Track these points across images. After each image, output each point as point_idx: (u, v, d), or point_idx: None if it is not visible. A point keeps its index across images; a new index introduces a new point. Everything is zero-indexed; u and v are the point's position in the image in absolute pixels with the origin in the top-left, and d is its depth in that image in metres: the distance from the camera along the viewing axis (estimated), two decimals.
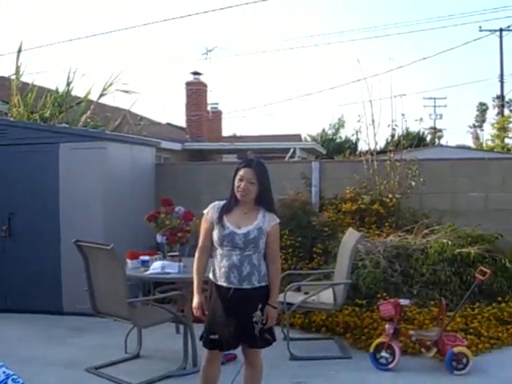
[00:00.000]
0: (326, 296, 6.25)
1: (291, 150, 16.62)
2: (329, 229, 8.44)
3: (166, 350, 6.36)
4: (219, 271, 4.25)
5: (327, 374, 5.71)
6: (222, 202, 4.36)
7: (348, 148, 19.01)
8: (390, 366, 5.71)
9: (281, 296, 6.17)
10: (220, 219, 4.24)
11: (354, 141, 27.19)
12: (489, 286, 7.30)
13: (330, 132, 42.48)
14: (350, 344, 6.54)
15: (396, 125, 9.24)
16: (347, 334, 6.67)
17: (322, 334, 6.89)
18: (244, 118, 73.55)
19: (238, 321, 4.20)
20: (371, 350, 5.81)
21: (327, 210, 8.92)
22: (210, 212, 4.34)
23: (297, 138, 27.81)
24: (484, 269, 6.06)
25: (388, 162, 8.99)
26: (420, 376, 5.63)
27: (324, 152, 21.98)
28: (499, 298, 7.24)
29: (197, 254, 4.41)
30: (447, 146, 22.11)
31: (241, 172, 4.23)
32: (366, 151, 9.27)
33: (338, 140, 40.33)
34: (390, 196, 8.76)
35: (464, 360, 5.62)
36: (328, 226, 8.49)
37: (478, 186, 9.21)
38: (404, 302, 5.89)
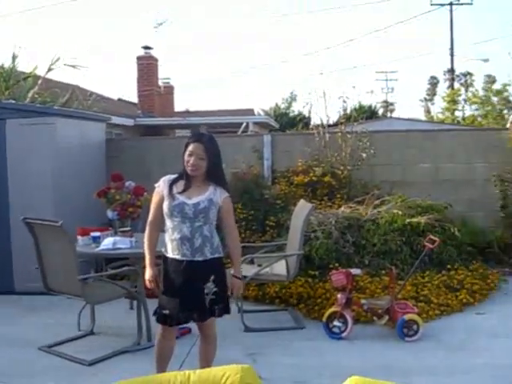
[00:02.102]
0: (279, 268, 6.28)
1: (243, 124, 16.57)
2: (281, 201, 8.47)
3: (120, 326, 6.33)
4: (171, 244, 4.24)
5: (281, 344, 5.77)
6: (174, 176, 4.33)
7: (300, 121, 19.05)
8: (343, 334, 5.80)
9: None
10: (170, 191, 4.22)
11: (306, 115, 27.24)
12: (438, 255, 7.45)
13: (283, 106, 42.43)
14: (303, 314, 6.62)
15: (347, 97, 9.29)
16: (300, 305, 6.74)
17: (275, 306, 6.95)
18: (197, 92, 72.83)
19: (189, 293, 4.20)
20: (324, 319, 5.89)
21: (279, 183, 8.96)
22: (160, 185, 4.31)
23: (250, 112, 27.67)
24: (433, 237, 6.18)
25: (339, 135, 9.05)
26: (372, 343, 5.74)
27: (277, 126, 21.97)
28: (448, 266, 7.40)
29: (147, 228, 4.39)
30: (398, 119, 22.31)
31: (190, 147, 4.20)
32: (318, 124, 9.32)
33: (291, 114, 40.32)
34: (342, 168, 8.83)
35: (415, 327, 5.74)
36: (280, 199, 8.52)
37: (428, 158, 9.36)
38: (355, 271, 5.97)
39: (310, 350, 5.62)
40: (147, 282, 4.33)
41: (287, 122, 32.20)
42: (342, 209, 7.93)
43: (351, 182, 8.91)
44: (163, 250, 4.33)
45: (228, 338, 5.65)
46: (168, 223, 4.26)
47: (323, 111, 9.28)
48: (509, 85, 15.07)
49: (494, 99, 15.43)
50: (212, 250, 4.24)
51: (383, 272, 7.03)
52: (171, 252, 4.24)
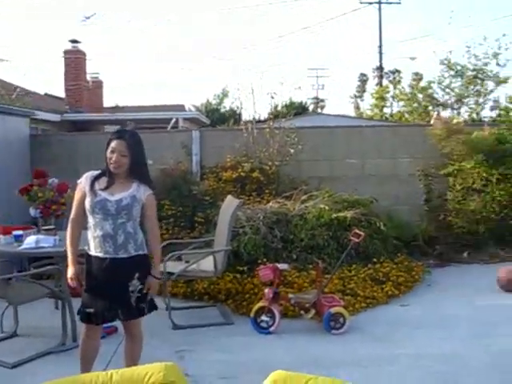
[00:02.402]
0: (207, 264, 6.26)
1: (173, 120, 16.44)
2: (210, 197, 8.44)
3: (44, 326, 6.15)
4: (93, 241, 4.16)
5: (209, 340, 5.75)
6: (97, 172, 4.25)
7: (231, 118, 19.01)
8: (271, 329, 5.82)
9: (161, 266, 6.15)
10: (92, 187, 4.13)
11: (238, 111, 27.24)
12: (365, 248, 7.58)
13: (214, 102, 42.31)
14: (232, 310, 6.62)
15: (275, 93, 9.32)
16: (229, 301, 6.74)
17: (204, 302, 6.92)
18: (128, 88, 71.85)
19: (114, 291, 4.13)
20: (252, 314, 5.90)
21: (208, 179, 8.94)
22: (82, 182, 4.22)
23: (180, 108, 27.47)
24: (358, 231, 6.27)
25: (267, 130, 9.08)
26: (300, 337, 5.79)
27: (208, 122, 21.89)
28: (374, 259, 7.55)
29: (69, 226, 4.29)
30: (326, 114, 22.57)
31: (112, 144, 4.13)
32: (247, 120, 9.33)
33: (222, 110, 40.24)
34: (270, 163, 8.88)
35: (341, 319, 5.82)
36: (209, 195, 8.50)
37: (355, 153, 9.51)
38: (282, 266, 6.01)
39: (239, 345, 5.62)
40: (69, 281, 4.24)
41: (218, 118, 32.06)
42: (270, 204, 7.98)
43: (279, 177, 8.97)
44: (86, 247, 4.25)
45: (156, 336, 5.63)
46: (90, 220, 4.17)
47: (251, 107, 9.30)
48: (433, 82, 15.47)
49: (419, 96, 15.81)
50: (136, 247, 4.18)
51: (311, 266, 7.09)
52: (94, 249, 4.16)
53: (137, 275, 4.16)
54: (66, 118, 16.58)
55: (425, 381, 4.66)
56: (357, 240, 6.14)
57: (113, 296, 4.14)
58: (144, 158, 4.25)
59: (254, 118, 9.29)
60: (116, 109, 23.84)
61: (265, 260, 7.05)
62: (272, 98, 9.22)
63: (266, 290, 5.90)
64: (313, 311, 5.94)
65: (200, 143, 9.35)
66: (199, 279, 6.83)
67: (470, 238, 8.94)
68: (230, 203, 6.54)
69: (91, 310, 4.17)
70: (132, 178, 4.20)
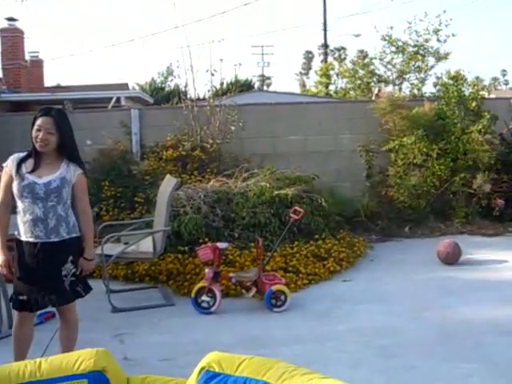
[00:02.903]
0: (146, 245, 6.14)
1: (113, 99, 16.11)
2: (150, 177, 8.32)
3: None
4: (23, 226, 4.00)
5: (150, 322, 5.66)
6: (23, 154, 4.07)
7: (175, 96, 18.71)
8: (212, 309, 5.76)
9: (98, 248, 6.02)
10: (18, 171, 3.97)
11: (182, 89, 26.90)
12: (307, 225, 7.58)
13: (158, 80, 41.74)
14: (173, 291, 6.53)
15: (215, 70, 9.18)
16: (170, 282, 6.65)
17: (145, 284, 6.82)
18: (69, 67, 70.37)
19: (46, 276, 3.99)
20: (193, 295, 5.81)
21: (149, 159, 8.79)
22: (8, 164, 4.03)
23: (124, 86, 26.98)
24: (298, 209, 6.25)
25: (208, 108, 8.95)
26: (241, 316, 5.74)
27: (151, 101, 21.55)
28: (316, 236, 7.54)
29: None
30: (272, 92, 22.47)
31: (38, 121, 3.96)
32: (189, 99, 9.19)
33: (167, 89, 39.72)
34: (211, 142, 8.77)
35: (282, 297, 5.80)
36: (149, 175, 8.36)
37: (298, 130, 9.48)
38: (221, 245, 5.91)
39: (180, 326, 5.54)
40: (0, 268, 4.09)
41: (163, 97, 31.66)
42: (211, 183, 7.88)
43: (221, 155, 8.89)
44: (15, 233, 4.09)
45: (95, 320, 5.55)
46: (19, 204, 4.01)
47: (191, 85, 9.15)
48: (375, 58, 15.51)
49: (361, 72, 15.86)
50: (68, 230, 4.04)
51: (252, 245, 7.04)
52: (24, 235, 4.01)
53: (70, 258, 4.04)
54: (2, 99, 16.10)
55: (363, 355, 4.66)
56: (296, 217, 6.11)
57: (45, 282, 4.00)
58: (72, 135, 4.09)
59: (194, 96, 9.14)
60: (58, 88, 23.28)
61: (206, 240, 6.97)
62: (212, 74, 9.06)
63: (207, 270, 5.82)
64: (254, 289, 5.89)
65: (140, 122, 9.18)
66: (139, 261, 6.70)
67: (411, 213, 9.05)
68: (167, 183, 6.42)
69: (24, 298, 4.03)
70: (61, 158, 4.04)
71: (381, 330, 5.22)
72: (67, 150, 4.05)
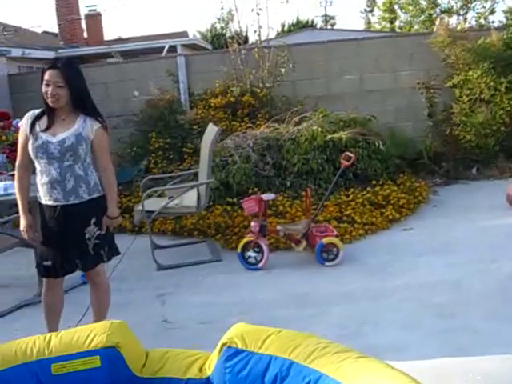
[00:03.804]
0: (190, 199, 5.80)
1: (165, 48, 15.72)
2: (198, 126, 7.94)
3: (22, 277, 5.82)
4: (42, 189, 3.73)
5: (194, 280, 5.37)
6: (38, 111, 3.76)
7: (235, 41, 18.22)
8: (260, 265, 5.42)
9: (140, 204, 5.75)
10: (32, 129, 3.66)
11: (244, 33, 26.31)
12: (363, 170, 7.11)
13: (219, 27, 41.11)
14: (221, 245, 6.23)
15: (260, 9, 8.66)
16: (218, 236, 6.34)
17: (194, 238, 6.53)
18: (130, 18, 70.27)
19: (68, 240, 3.73)
20: (239, 250, 5.48)
21: (197, 107, 8.42)
22: (24, 123, 3.73)
23: (184, 34, 26.59)
24: (349, 154, 5.76)
25: (256, 50, 8.46)
26: (290, 271, 5.38)
27: (210, 48, 21.10)
28: (374, 182, 7.05)
29: (16, 173, 3.86)
30: (321, 29, 21.56)
31: (46, 76, 3.61)
32: (237, 41, 8.72)
33: (228, 34, 39.07)
34: (261, 86, 8.31)
35: (334, 250, 5.40)
36: (198, 124, 7.99)
37: (353, 69, 8.91)
38: (267, 196, 5.49)
39: (224, 285, 5.22)
40: (22, 233, 3.84)
41: (224, 43, 31.12)
42: (261, 129, 7.45)
43: (272, 100, 8.41)
44: (38, 195, 3.81)
45: (138, 279, 5.39)
46: (36, 166, 3.73)
47: (237, 26, 8.69)
48: None
49: (423, 3, 14.92)
50: (89, 190, 3.74)
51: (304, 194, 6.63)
52: (43, 197, 3.74)
53: (93, 220, 3.76)
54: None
55: (419, 315, 4.22)
56: (347, 163, 5.63)
57: (68, 246, 3.75)
58: (85, 87, 3.73)
59: (240, 39, 8.65)
60: (118, 41, 23.11)
61: (256, 190, 6.61)
62: (258, 14, 8.54)
63: (252, 224, 5.45)
64: (304, 243, 5.50)
65: (186, 69, 8.78)
66: (183, 216, 6.40)
67: (479, 153, 8.38)
68: (209, 132, 6.02)
69: (49, 263, 3.79)
70: (76, 113, 3.71)
71: (441, 284, 4.74)
72: (81, 103, 3.70)
